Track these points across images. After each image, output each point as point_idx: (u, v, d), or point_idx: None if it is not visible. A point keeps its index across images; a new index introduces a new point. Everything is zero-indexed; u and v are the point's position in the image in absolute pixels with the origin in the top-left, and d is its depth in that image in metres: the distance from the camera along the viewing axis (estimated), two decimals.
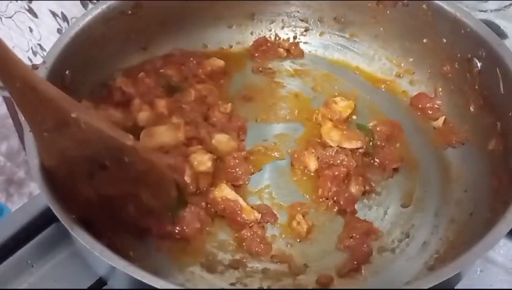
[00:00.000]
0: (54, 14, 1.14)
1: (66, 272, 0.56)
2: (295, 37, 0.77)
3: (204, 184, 0.59)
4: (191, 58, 0.71)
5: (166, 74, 0.68)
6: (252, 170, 0.62)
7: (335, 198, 0.59)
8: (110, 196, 0.49)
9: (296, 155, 0.63)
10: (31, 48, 1.33)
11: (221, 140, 0.62)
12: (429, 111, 0.68)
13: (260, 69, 0.74)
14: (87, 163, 0.46)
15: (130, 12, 0.66)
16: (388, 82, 0.72)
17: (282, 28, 0.77)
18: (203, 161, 0.58)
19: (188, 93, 0.66)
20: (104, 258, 0.41)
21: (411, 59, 0.71)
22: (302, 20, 0.76)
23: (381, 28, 0.72)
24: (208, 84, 0.68)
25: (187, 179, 0.57)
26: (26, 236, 0.57)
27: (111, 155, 0.46)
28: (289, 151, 0.65)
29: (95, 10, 0.62)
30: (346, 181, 0.61)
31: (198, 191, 0.59)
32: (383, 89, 0.72)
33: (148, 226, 0.54)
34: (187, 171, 0.57)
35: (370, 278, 0.55)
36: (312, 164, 0.62)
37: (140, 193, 0.50)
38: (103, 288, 0.54)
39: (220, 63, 0.71)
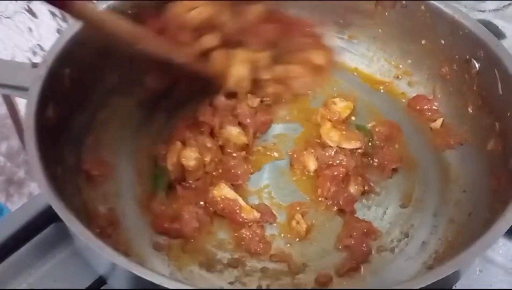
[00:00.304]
0: (53, 14, 1.14)
1: (65, 272, 0.56)
2: None
3: (191, 178, 0.59)
4: None
5: None
6: (252, 170, 0.62)
7: (334, 198, 0.60)
8: None
9: (295, 155, 0.64)
10: (31, 48, 1.33)
11: (231, 132, 0.62)
12: (427, 113, 0.68)
13: None
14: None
15: (130, 12, 0.66)
16: (386, 84, 0.72)
17: None
18: (188, 157, 0.59)
19: None
20: (104, 255, 0.41)
21: (410, 61, 0.71)
22: None
23: (380, 30, 0.72)
24: None
25: (169, 167, 0.59)
26: (25, 236, 0.57)
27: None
28: (288, 151, 0.65)
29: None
30: (345, 181, 0.61)
31: (188, 185, 0.59)
32: (382, 91, 0.72)
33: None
34: (170, 159, 0.58)
35: (369, 277, 0.55)
36: (311, 165, 0.62)
37: None
38: (103, 287, 0.54)
39: None
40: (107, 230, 0.54)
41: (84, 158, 0.59)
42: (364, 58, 0.74)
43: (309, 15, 0.75)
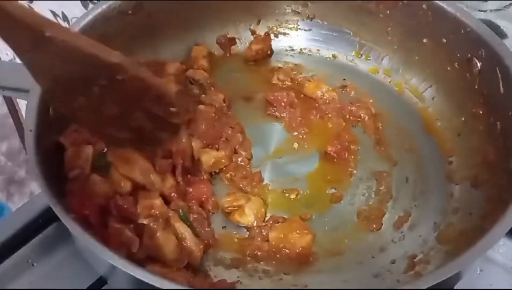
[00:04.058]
0: (55, 14, 1.15)
1: (66, 272, 0.56)
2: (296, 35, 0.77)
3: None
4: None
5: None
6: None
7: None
8: (117, 114, 0.48)
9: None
10: None
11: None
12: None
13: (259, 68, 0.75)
14: (82, 82, 0.45)
15: (130, 12, 0.66)
16: (389, 81, 0.73)
17: (281, 27, 0.77)
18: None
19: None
20: (104, 257, 0.41)
21: (411, 59, 0.71)
22: (302, 20, 0.77)
23: (382, 28, 0.72)
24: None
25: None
26: (26, 235, 0.57)
27: (102, 73, 0.44)
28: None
29: (96, 10, 0.63)
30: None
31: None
32: (385, 88, 0.72)
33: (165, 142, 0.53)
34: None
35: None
36: None
37: (146, 105, 0.48)
38: (104, 287, 0.54)
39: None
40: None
41: None
42: (366, 56, 0.74)
43: (310, 13, 0.75)
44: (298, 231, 0.56)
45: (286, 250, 0.56)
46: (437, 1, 0.64)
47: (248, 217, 0.58)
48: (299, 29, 0.77)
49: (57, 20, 1.16)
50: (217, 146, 0.63)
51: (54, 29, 0.41)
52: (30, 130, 0.50)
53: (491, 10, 0.64)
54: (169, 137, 0.53)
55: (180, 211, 0.54)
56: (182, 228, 0.53)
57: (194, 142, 0.60)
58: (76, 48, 0.42)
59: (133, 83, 0.45)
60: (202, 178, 0.60)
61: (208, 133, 0.63)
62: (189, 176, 0.58)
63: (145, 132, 0.50)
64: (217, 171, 0.62)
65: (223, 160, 0.62)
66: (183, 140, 0.58)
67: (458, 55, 0.64)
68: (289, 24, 0.77)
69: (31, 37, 0.41)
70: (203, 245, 0.54)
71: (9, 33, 0.41)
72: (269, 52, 0.76)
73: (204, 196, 0.58)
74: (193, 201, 0.57)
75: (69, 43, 0.41)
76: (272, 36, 0.77)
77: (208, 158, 0.61)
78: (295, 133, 0.68)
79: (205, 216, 0.57)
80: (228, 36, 0.76)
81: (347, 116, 0.69)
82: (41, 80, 0.45)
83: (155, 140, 0.52)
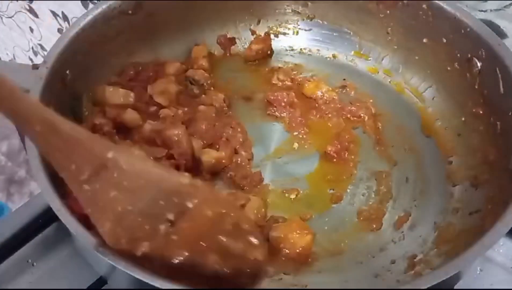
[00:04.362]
0: (54, 14, 1.15)
1: (66, 271, 0.56)
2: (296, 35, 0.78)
3: None
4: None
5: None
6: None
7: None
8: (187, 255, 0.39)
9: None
10: (32, 48, 1.33)
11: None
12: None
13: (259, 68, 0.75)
14: (147, 219, 0.38)
15: (130, 12, 0.66)
16: (389, 81, 0.73)
17: (281, 27, 0.77)
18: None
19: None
20: (104, 258, 0.41)
21: (411, 59, 0.71)
22: (302, 20, 0.77)
23: (382, 28, 0.72)
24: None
25: None
26: (26, 235, 0.57)
27: (171, 203, 0.38)
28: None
29: (96, 10, 0.63)
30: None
31: None
32: (385, 88, 0.72)
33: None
34: None
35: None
36: None
37: (220, 239, 0.40)
38: (104, 287, 0.54)
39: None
40: None
41: None
42: (366, 56, 0.74)
43: (310, 13, 0.75)
44: (298, 231, 0.56)
45: (286, 250, 0.56)
46: (437, 1, 0.64)
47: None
48: (299, 29, 0.77)
49: (57, 20, 1.16)
50: (217, 146, 0.63)
51: (116, 149, 0.37)
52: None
53: (491, 10, 0.64)
54: (250, 282, 0.42)
55: None
56: None
57: (195, 141, 0.60)
58: (144, 170, 0.37)
59: (205, 211, 0.38)
60: (205, 179, 0.60)
61: (209, 133, 0.63)
62: None
63: (222, 279, 0.40)
64: (217, 171, 0.62)
65: (223, 160, 0.62)
66: (184, 142, 0.58)
67: (458, 55, 0.64)
68: (289, 24, 0.77)
69: (91, 160, 0.36)
70: None
71: (65, 159, 0.36)
72: (269, 52, 0.76)
73: None
74: None
75: (134, 164, 0.37)
76: (272, 36, 0.77)
77: (209, 158, 0.61)
78: (295, 133, 0.68)
79: None
80: (228, 36, 0.76)
81: (347, 116, 0.69)
82: (103, 221, 0.39)
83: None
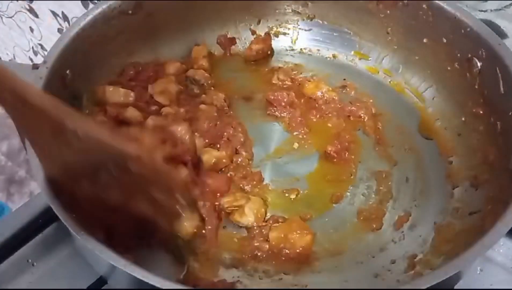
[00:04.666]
0: (54, 14, 1.15)
1: (66, 271, 0.56)
2: (295, 35, 0.77)
3: None
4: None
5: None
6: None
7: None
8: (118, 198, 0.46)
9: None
10: (32, 47, 1.33)
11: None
12: None
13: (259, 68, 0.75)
14: (90, 168, 0.44)
15: (130, 12, 0.66)
16: (389, 81, 0.73)
17: (281, 27, 0.77)
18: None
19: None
20: (104, 258, 0.41)
21: (411, 59, 0.71)
22: (302, 20, 0.77)
23: (382, 28, 0.72)
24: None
25: None
26: (26, 235, 0.57)
27: (115, 163, 0.43)
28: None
29: (96, 10, 0.63)
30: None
31: None
32: (385, 88, 0.72)
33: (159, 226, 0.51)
34: None
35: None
36: None
37: (152, 194, 0.46)
38: (104, 287, 0.54)
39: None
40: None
41: None
42: (366, 56, 0.74)
43: (310, 13, 0.75)
44: (298, 231, 0.56)
45: (286, 250, 0.56)
46: (437, 1, 0.64)
47: (248, 217, 0.58)
48: (299, 29, 0.77)
49: (57, 19, 1.16)
50: (218, 146, 0.63)
51: (77, 120, 0.41)
52: (26, 141, 0.50)
53: (491, 10, 0.64)
54: (167, 224, 0.52)
55: None
56: None
57: (197, 140, 0.60)
58: (98, 140, 0.41)
59: (145, 173, 0.44)
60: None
61: (210, 132, 0.63)
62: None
63: (144, 219, 0.48)
64: (217, 170, 0.62)
65: (224, 160, 0.62)
66: (187, 138, 0.58)
67: (458, 55, 0.64)
68: (289, 24, 0.77)
69: (52, 128, 0.41)
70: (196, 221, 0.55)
71: (30, 124, 0.41)
72: (269, 52, 0.76)
73: (221, 192, 0.59)
74: (208, 191, 0.58)
75: (91, 135, 0.41)
76: (272, 36, 0.77)
77: (210, 157, 0.61)
78: (295, 133, 0.68)
79: (215, 209, 0.58)
80: (228, 36, 0.76)
81: (347, 116, 0.69)
82: (48, 164, 0.45)
83: (152, 226, 0.50)
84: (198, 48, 0.73)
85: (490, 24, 0.65)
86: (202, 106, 0.66)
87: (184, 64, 0.71)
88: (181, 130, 0.57)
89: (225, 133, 0.64)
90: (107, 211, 0.47)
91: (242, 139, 0.64)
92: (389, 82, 0.73)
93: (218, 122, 0.65)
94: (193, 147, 0.58)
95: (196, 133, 0.62)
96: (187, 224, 0.55)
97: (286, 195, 0.61)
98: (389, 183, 0.63)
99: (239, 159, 0.63)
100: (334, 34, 0.76)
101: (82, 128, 0.40)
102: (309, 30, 0.77)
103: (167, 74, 0.69)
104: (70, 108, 0.41)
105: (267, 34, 0.77)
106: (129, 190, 0.45)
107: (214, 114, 0.65)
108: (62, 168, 0.45)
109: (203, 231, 0.56)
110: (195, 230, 0.56)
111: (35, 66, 0.55)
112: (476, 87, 0.62)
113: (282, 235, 0.56)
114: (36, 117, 0.40)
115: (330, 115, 0.69)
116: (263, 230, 0.57)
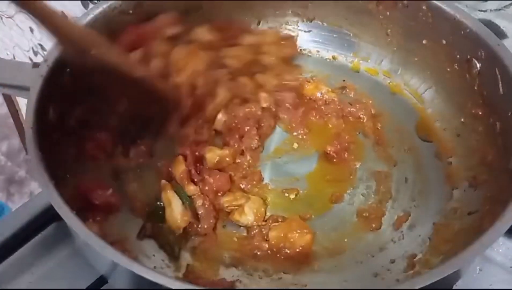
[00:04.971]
0: None
1: (66, 271, 0.56)
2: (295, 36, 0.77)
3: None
4: None
5: None
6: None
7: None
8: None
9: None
10: (32, 48, 1.33)
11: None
12: None
13: None
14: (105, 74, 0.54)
15: (131, 11, 0.66)
16: (389, 82, 0.73)
17: (281, 28, 0.77)
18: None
19: None
20: (106, 255, 0.41)
21: (411, 60, 0.71)
22: (302, 21, 0.77)
23: (381, 30, 0.72)
24: None
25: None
26: (26, 235, 0.57)
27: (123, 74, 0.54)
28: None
29: (96, 10, 0.63)
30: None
31: None
32: (385, 89, 0.72)
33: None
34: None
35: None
36: None
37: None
38: (104, 287, 0.54)
39: None
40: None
41: None
42: (366, 57, 0.74)
43: (310, 14, 0.76)
44: (297, 231, 0.56)
45: (286, 250, 0.56)
46: (437, 2, 0.64)
47: (248, 216, 0.58)
48: (299, 30, 0.78)
49: None
50: (227, 139, 0.64)
51: (98, 47, 0.51)
52: (31, 127, 0.50)
53: (491, 10, 0.64)
54: (163, 112, 0.60)
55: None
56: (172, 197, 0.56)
57: (223, 91, 0.63)
58: (113, 64, 0.53)
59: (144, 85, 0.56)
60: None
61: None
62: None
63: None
64: (220, 168, 0.62)
65: (227, 158, 0.62)
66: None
67: (458, 56, 0.64)
68: (289, 25, 0.78)
69: (76, 49, 0.50)
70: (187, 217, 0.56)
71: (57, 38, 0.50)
72: None
73: (222, 191, 0.59)
74: (209, 190, 0.58)
75: (108, 61, 0.53)
76: None
77: (213, 156, 0.61)
78: (295, 133, 0.68)
79: (214, 208, 0.58)
80: None
81: (347, 117, 0.69)
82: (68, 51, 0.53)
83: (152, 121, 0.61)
84: None
85: (489, 24, 0.65)
86: None
87: None
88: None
89: (246, 128, 0.65)
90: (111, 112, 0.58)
91: (253, 146, 0.64)
92: (389, 83, 0.73)
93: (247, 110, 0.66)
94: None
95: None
96: (179, 218, 0.55)
97: (286, 194, 0.62)
98: (389, 183, 0.63)
99: (240, 160, 0.63)
100: (334, 35, 0.76)
101: (102, 53, 0.51)
102: (309, 31, 0.77)
103: None
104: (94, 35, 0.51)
105: None
106: (134, 97, 0.57)
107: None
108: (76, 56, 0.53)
109: (197, 229, 0.56)
110: (185, 225, 0.56)
111: (35, 65, 0.56)
112: (476, 88, 0.62)
113: (282, 235, 0.56)
114: (63, 40, 0.50)
115: (329, 115, 0.69)
116: (262, 230, 0.57)
